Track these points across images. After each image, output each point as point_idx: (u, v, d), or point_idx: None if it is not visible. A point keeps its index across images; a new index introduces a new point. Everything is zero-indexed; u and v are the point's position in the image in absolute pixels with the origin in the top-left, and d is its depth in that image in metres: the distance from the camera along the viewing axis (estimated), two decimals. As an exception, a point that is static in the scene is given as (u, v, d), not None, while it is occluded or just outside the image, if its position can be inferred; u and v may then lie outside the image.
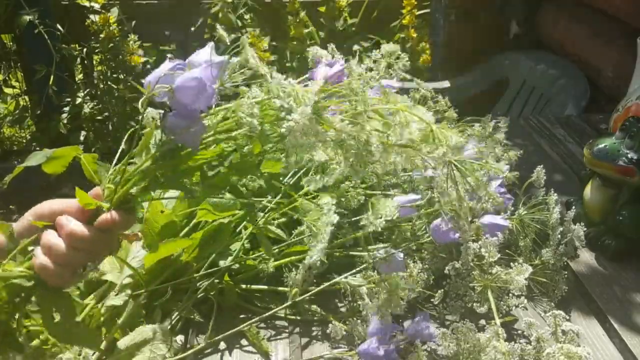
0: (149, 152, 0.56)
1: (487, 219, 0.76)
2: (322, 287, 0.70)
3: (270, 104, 0.53)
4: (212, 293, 0.73)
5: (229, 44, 0.59)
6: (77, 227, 0.56)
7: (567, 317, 0.68)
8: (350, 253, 0.77)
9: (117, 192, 0.57)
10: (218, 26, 0.60)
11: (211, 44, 0.56)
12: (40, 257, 0.56)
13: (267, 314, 0.71)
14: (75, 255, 0.56)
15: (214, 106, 0.56)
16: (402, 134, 0.50)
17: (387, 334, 0.65)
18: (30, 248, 0.57)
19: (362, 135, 0.49)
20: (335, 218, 0.57)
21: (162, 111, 0.56)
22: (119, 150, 0.60)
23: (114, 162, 0.59)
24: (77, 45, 2.20)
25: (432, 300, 0.73)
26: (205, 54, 0.55)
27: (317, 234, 0.58)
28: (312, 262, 0.57)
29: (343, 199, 0.78)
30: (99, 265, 0.60)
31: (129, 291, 0.69)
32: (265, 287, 0.76)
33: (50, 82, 2.06)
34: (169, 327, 0.67)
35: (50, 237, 0.56)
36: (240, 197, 0.68)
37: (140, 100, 0.54)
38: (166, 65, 0.56)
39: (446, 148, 0.51)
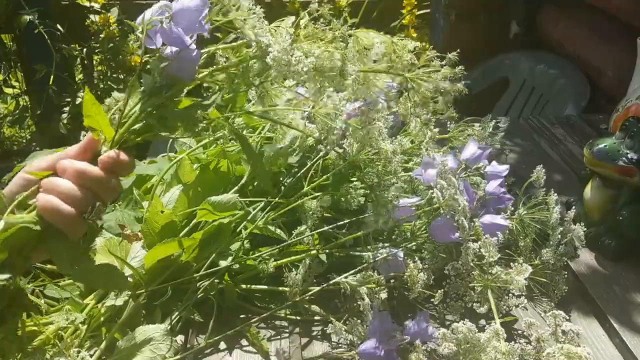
0: (141, 91, 0.57)
1: (487, 219, 0.76)
2: (322, 287, 0.70)
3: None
4: (212, 293, 0.73)
5: None
6: (83, 165, 0.54)
7: (567, 317, 0.68)
8: (350, 253, 0.77)
9: (117, 133, 0.56)
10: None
11: None
12: (45, 196, 0.53)
13: (267, 314, 0.71)
14: (83, 194, 0.54)
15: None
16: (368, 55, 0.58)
17: (387, 334, 0.65)
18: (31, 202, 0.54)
19: (337, 60, 0.57)
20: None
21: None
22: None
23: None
24: (77, 45, 2.20)
25: (432, 300, 0.73)
26: None
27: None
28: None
29: (343, 200, 0.78)
30: (103, 215, 0.58)
31: (128, 291, 0.69)
32: (265, 287, 0.75)
33: (50, 82, 2.05)
34: (169, 327, 0.67)
35: (54, 179, 0.54)
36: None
37: (137, 32, 0.55)
38: (155, 6, 0.57)
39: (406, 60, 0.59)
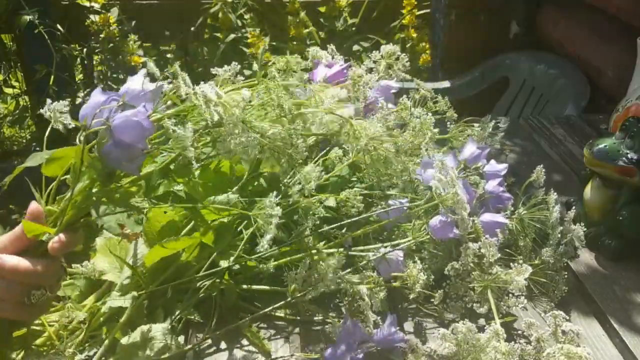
0: (88, 175, 0.58)
1: (487, 217, 0.76)
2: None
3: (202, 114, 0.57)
4: (213, 294, 0.73)
5: (158, 75, 0.63)
6: (14, 261, 0.55)
7: (567, 317, 0.68)
8: (350, 253, 0.76)
9: (64, 215, 0.57)
10: (148, 61, 0.67)
11: (144, 71, 0.58)
12: None
13: (266, 309, 0.71)
14: (19, 288, 0.56)
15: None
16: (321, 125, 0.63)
17: (355, 341, 0.64)
18: None
19: (287, 137, 0.59)
20: (279, 211, 0.61)
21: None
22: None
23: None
24: (77, 45, 2.20)
25: (432, 300, 0.73)
26: (138, 82, 0.56)
27: (262, 226, 0.61)
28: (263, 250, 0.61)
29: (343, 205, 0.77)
30: (51, 293, 0.60)
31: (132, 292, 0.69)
32: (266, 287, 0.75)
33: (50, 82, 2.05)
34: (169, 327, 0.67)
35: None
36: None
37: (78, 136, 0.55)
38: (99, 97, 0.56)
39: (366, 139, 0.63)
